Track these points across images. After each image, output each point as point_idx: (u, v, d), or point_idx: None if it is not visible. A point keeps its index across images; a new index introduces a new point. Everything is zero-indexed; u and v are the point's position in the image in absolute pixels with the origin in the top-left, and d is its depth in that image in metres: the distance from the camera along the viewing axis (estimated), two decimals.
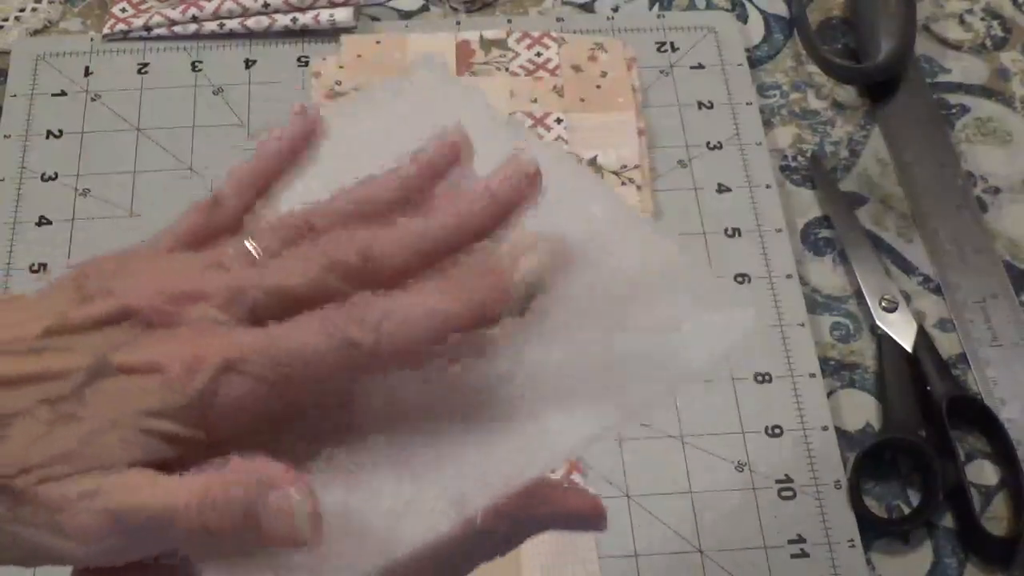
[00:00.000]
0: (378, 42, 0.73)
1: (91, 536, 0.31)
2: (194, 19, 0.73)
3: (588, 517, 0.37)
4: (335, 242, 0.34)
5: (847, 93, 0.74)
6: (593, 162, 0.68)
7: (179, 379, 0.31)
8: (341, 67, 0.72)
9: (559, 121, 0.70)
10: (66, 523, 0.30)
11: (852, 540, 0.57)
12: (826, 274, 0.66)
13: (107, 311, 0.33)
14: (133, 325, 0.33)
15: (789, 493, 0.58)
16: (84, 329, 0.33)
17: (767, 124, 0.72)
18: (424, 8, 0.76)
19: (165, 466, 0.31)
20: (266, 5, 0.73)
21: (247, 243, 0.35)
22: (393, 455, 0.34)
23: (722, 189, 0.68)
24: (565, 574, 0.54)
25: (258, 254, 0.35)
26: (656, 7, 0.77)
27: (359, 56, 0.72)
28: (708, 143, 0.70)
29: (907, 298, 0.65)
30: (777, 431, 0.60)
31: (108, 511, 0.30)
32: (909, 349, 0.62)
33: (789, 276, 0.65)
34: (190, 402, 0.31)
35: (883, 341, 0.63)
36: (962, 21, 0.78)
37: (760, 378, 0.62)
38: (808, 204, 0.69)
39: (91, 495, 0.30)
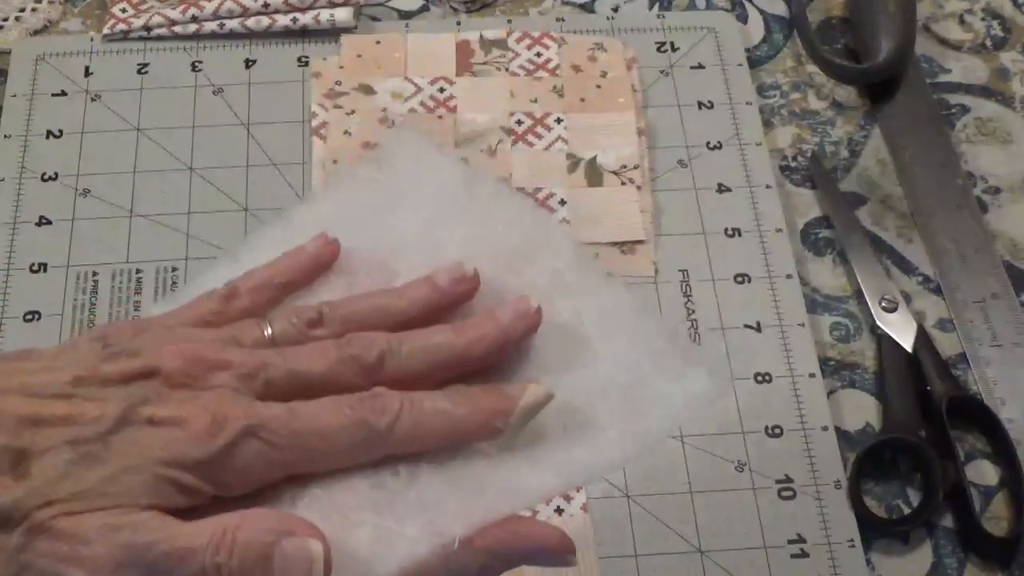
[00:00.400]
0: (378, 42, 0.73)
1: (106, 568, 0.33)
2: (194, 19, 0.73)
3: (556, 551, 0.38)
4: (356, 339, 0.38)
5: (847, 93, 0.74)
6: (593, 162, 0.68)
7: (203, 435, 0.34)
8: (341, 67, 0.72)
9: (559, 121, 0.70)
10: (84, 554, 0.33)
11: (852, 540, 0.57)
12: (826, 274, 0.66)
13: (137, 368, 0.36)
14: (160, 384, 0.35)
15: (789, 493, 0.58)
16: (113, 382, 0.35)
17: (767, 124, 0.72)
18: (424, 8, 0.76)
19: (174, 515, 0.34)
20: (266, 5, 0.73)
21: (264, 327, 0.38)
22: (375, 497, 0.36)
23: (722, 189, 0.68)
24: (566, 574, 0.54)
25: (273, 339, 0.38)
26: (656, 7, 0.77)
27: (359, 56, 0.72)
28: (708, 143, 0.70)
29: (907, 298, 0.65)
30: (777, 431, 0.60)
31: (125, 545, 0.33)
32: (909, 349, 0.62)
33: (789, 276, 0.65)
34: (210, 457, 0.34)
35: (883, 341, 0.63)
36: (962, 21, 0.78)
37: (760, 378, 0.62)
38: (808, 204, 0.69)
39: (111, 529, 0.33)
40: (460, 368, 0.39)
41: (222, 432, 0.34)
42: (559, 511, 0.55)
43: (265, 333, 0.38)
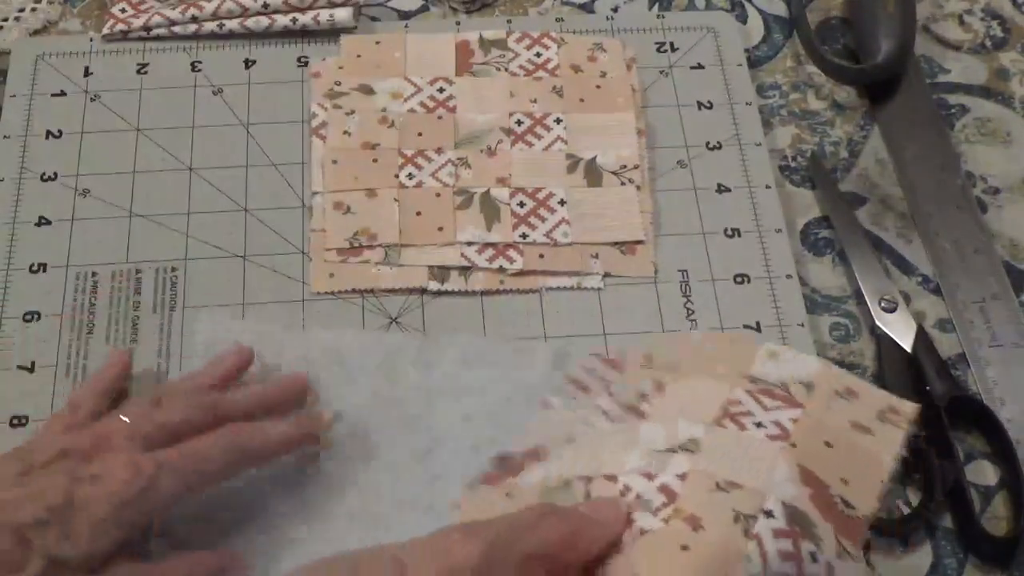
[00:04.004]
0: (378, 42, 0.73)
1: None
2: (194, 19, 0.73)
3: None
4: (196, 396, 0.54)
5: (847, 93, 0.74)
6: (593, 162, 0.68)
7: (130, 480, 0.47)
8: (341, 67, 0.72)
9: (559, 121, 0.70)
10: None
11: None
12: (826, 274, 0.66)
13: (55, 452, 0.48)
14: (77, 458, 0.48)
15: None
16: (46, 464, 0.48)
17: (767, 124, 0.72)
18: (424, 8, 0.76)
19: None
20: (266, 5, 0.73)
21: (121, 415, 0.52)
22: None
23: (722, 189, 0.68)
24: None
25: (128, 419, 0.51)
26: (656, 7, 0.77)
27: (359, 56, 0.72)
28: (708, 143, 0.70)
29: (907, 298, 0.65)
30: None
31: None
32: (909, 349, 0.62)
33: (789, 276, 0.65)
34: (141, 494, 0.47)
35: (883, 341, 0.63)
36: (962, 21, 0.78)
37: None
38: (808, 204, 0.69)
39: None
40: (266, 410, 0.55)
41: (142, 474, 0.48)
42: None
43: (122, 419, 0.51)
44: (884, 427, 0.50)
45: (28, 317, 0.62)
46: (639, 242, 0.66)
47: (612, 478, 0.46)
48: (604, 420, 0.50)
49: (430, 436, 0.58)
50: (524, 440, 0.52)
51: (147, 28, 0.73)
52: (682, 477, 0.45)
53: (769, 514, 0.44)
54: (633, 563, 0.43)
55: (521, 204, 0.66)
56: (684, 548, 0.42)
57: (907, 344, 0.62)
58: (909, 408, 0.51)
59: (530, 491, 0.48)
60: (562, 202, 0.67)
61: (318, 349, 0.61)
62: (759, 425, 0.47)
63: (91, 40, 0.73)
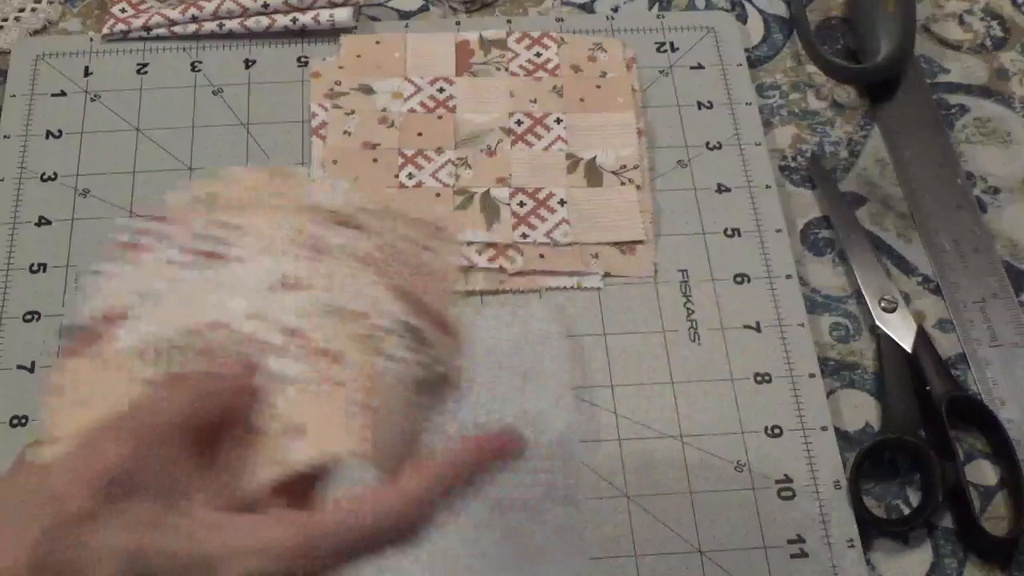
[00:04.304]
0: (378, 42, 0.73)
1: None
2: (194, 19, 0.73)
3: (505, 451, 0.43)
4: None
5: (847, 93, 0.74)
6: (593, 162, 0.68)
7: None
8: (341, 67, 0.72)
9: (559, 121, 0.70)
10: None
11: (852, 540, 0.57)
12: (826, 274, 0.66)
13: None
14: None
15: (789, 493, 0.58)
16: None
17: (767, 124, 0.72)
18: (424, 8, 0.76)
19: None
20: (266, 5, 0.73)
21: None
22: None
23: (722, 189, 0.68)
24: None
25: None
26: (656, 7, 0.77)
27: (359, 56, 0.72)
28: (708, 143, 0.70)
29: (907, 298, 0.65)
30: (777, 431, 0.60)
31: None
32: (909, 349, 0.62)
33: (789, 276, 0.65)
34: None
35: (883, 341, 0.63)
36: (962, 21, 0.78)
37: (760, 378, 0.62)
38: (808, 204, 0.69)
39: None
40: None
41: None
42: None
43: None
44: (440, 242, 0.49)
45: (28, 317, 0.62)
46: (639, 242, 0.66)
47: (224, 326, 0.43)
48: (183, 271, 0.46)
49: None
50: (87, 308, 0.46)
51: (147, 28, 0.73)
52: (302, 315, 0.44)
53: (388, 331, 0.44)
54: (285, 412, 0.42)
55: (521, 204, 0.66)
56: (334, 384, 0.42)
57: (907, 344, 0.62)
58: (453, 228, 0.50)
59: (131, 356, 0.44)
60: (562, 202, 0.67)
61: None
62: (341, 249, 0.46)
63: (91, 40, 0.73)
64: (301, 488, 0.41)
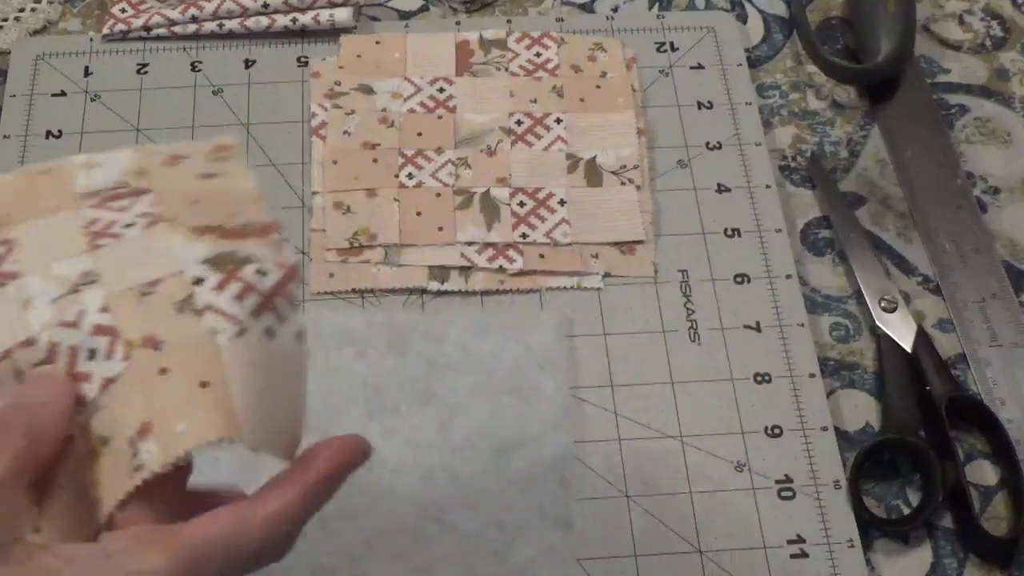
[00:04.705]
0: (378, 42, 0.73)
1: None
2: (194, 19, 0.73)
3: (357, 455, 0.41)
4: None
5: (847, 93, 0.74)
6: (593, 162, 0.68)
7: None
8: (341, 67, 0.72)
9: (559, 121, 0.70)
10: None
11: (852, 540, 0.57)
12: (826, 274, 0.66)
13: None
14: None
15: (789, 493, 0.58)
16: None
17: (767, 124, 0.72)
18: (424, 8, 0.76)
19: None
20: (266, 5, 0.73)
21: None
22: None
23: (722, 189, 0.68)
24: None
25: None
26: (656, 7, 0.77)
27: (359, 56, 0.72)
28: (708, 143, 0.70)
29: (907, 298, 0.65)
30: (777, 431, 0.60)
31: None
32: (909, 349, 0.62)
33: (789, 276, 0.65)
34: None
35: (883, 341, 0.63)
36: (962, 21, 0.78)
37: (760, 378, 0.62)
38: (808, 204, 0.69)
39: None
40: None
41: None
42: (269, 334, 0.42)
43: None
44: (224, 164, 0.46)
45: None
46: (639, 242, 0.66)
47: (31, 343, 0.40)
48: None
49: (446, 408, 0.59)
50: None
51: (147, 28, 0.73)
52: (106, 309, 0.41)
53: (199, 281, 0.41)
54: (122, 415, 0.39)
55: (521, 204, 0.66)
56: (163, 371, 0.40)
57: (907, 344, 0.62)
58: (229, 140, 0.47)
59: None
60: (562, 202, 0.67)
61: (327, 329, 0.61)
62: (128, 226, 0.43)
63: (91, 40, 0.73)
64: (170, 489, 0.39)
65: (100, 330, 0.41)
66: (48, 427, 0.38)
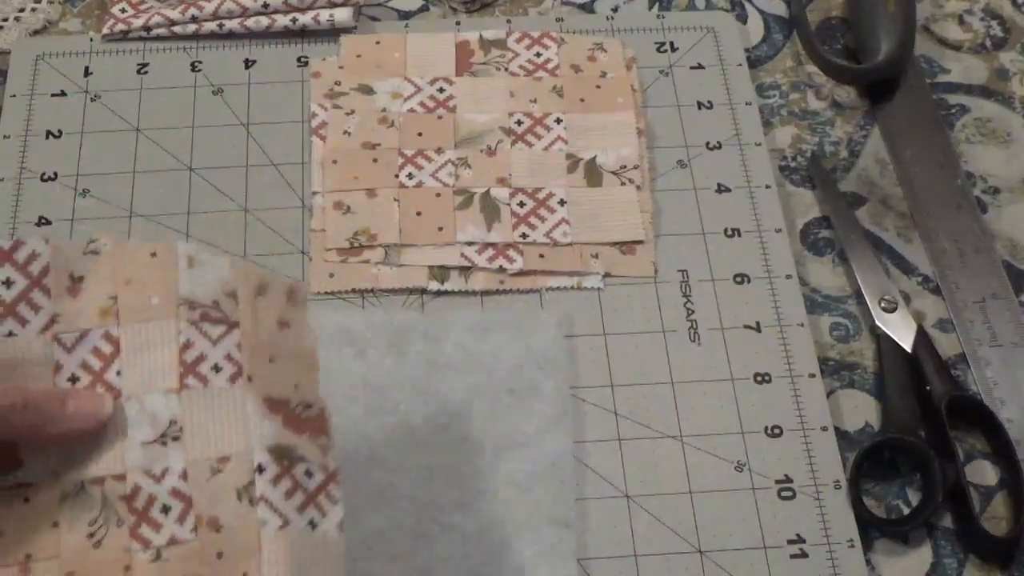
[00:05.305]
0: (378, 42, 0.73)
1: None
2: (193, 19, 0.73)
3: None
4: None
5: (847, 93, 0.74)
6: (592, 162, 0.68)
7: None
8: (341, 67, 0.72)
9: (558, 121, 0.70)
10: None
11: (852, 540, 0.57)
12: (826, 274, 0.66)
13: None
14: None
15: (788, 493, 0.58)
16: None
17: (767, 124, 0.72)
18: (424, 8, 0.76)
19: None
20: (266, 5, 0.73)
21: None
22: None
23: (722, 189, 0.68)
24: None
25: None
26: (656, 7, 0.77)
27: (359, 56, 0.72)
28: (708, 143, 0.70)
29: (906, 298, 0.65)
30: (777, 431, 0.60)
31: None
32: (908, 349, 0.62)
33: (789, 276, 0.65)
34: None
35: (883, 341, 0.63)
36: (962, 21, 0.78)
37: (760, 378, 0.62)
38: (808, 204, 0.69)
39: None
40: None
41: None
42: (312, 525, 0.47)
43: None
44: (295, 313, 0.50)
45: None
46: (639, 242, 0.66)
47: (121, 478, 0.46)
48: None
49: (446, 409, 0.59)
50: None
51: (147, 28, 0.73)
52: (184, 476, 0.46)
53: (260, 469, 0.46)
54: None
55: (521, 204, 0.66)
56: (219, 555, 0.45)
57: (907, 344, 0.62)
58: (299, 285, 0.50)
59: (45, 496, 0.47)
60: (562, 202, 0.67)
61: (327, 329, 0.61)
62: (217, 369, 0.47)
63: (91, 40, 0.73)
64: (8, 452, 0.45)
65: (177, 494, 0.46)
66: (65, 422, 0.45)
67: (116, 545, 0.46)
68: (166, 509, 0.46)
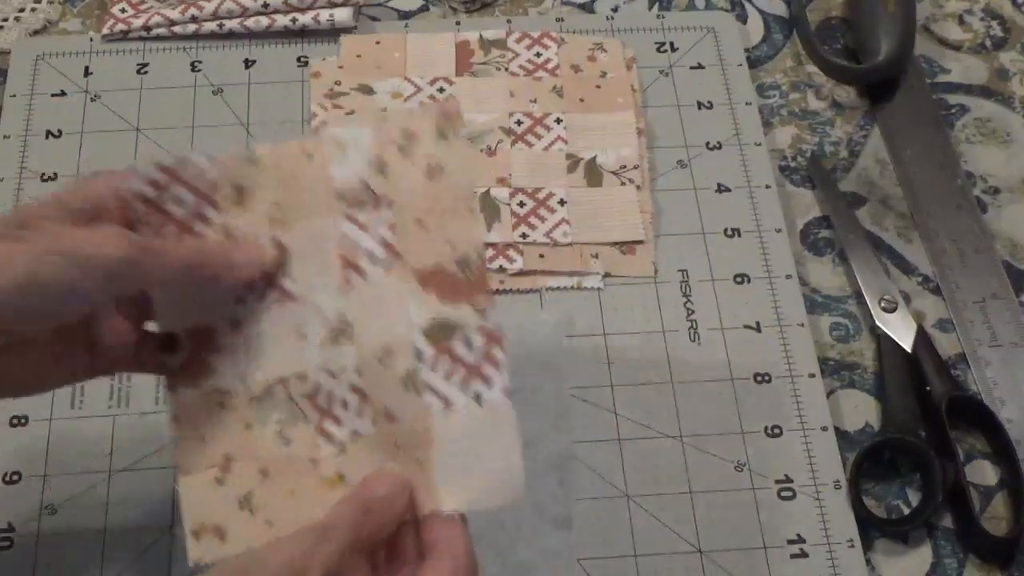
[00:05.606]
0: (378, 42, 0.73)
1: None
2: (193, 19, 0.73)
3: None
4: None
5: (847, 93, 0.74)
6: (592, 162, 0.68)
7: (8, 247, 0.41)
8: (341, 67, 0.72)
9: (558, 121, 0.70)
10: None
11: (852, 540, 0.57)
12: (826, 274, 0.66)
13: None
14: None
15: (788, 493, 0.58)
16: None
17: (767, 124, 0.72)
18: (424, 8, 0.76)
19: None
20: (265, 5, 0.73)
21: None
22: None
23: (722, 189, 0.68)
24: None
25: None
26: (656, 7, 0.77)
27: (359, 56, 0.72)
28: (708, 143, 0.70)
29: (906, 298, 0.65)
30: (777, 431, 0.60)
31: None
32: (909, 349, 0.62)
33: (789, 276, 0.65)
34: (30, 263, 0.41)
35: (883, 341, 0.63)
36: (962, 21, 0.78)
37: (760, 378, 0.62)
38: (808, 204, 0.69)
39: None
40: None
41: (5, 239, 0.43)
42: (477, 399, 0.47)
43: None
44: (448, 149, 0.49)
45: None
46: (639, 242, 0.66)
47: (303, 377, 0.48)
48: (256, 304, 0.50)
49: None
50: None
51: (147, 28, 0.73)
52: (358, 372, 0.48)
53: (419, 355, 0.46)
54: (365, 470, 0.46)
55: (521, 204, 0.66)
56: (396, 446, 0.46)
57: (907, 344, 0.62)
58: (450, 106, 0.50)
59: (238, 400, 0.49)
60: (562, 202, 0.67)
61: None
62: (372, 259, 0.48)
63: (91, 40, 0.73)
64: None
65: (355, 390, 0.48)
66: (391, 520, 0.45)
67: (304, 440, 0.48)
68: (346, 404, 0.48)
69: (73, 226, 0.43)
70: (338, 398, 0.48)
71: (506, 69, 0.72)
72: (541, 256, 0.65)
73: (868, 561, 0.57)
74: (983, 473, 0.60)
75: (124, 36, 0.73)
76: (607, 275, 0.65)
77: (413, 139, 0.49)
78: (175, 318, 0.50)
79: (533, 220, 0.66)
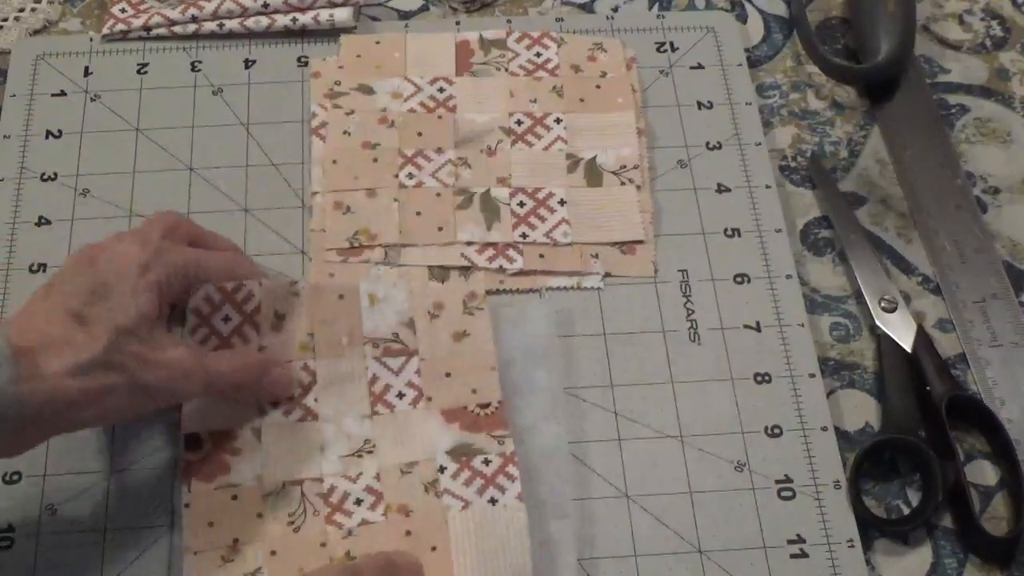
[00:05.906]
0: (378, 42, 0.73)
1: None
2: (193, 19, 0.73)
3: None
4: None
5: (847, 93, 0.74)
6: (592, 162, 0.68)
7: (139, 250, 0.55)
8: (341, 67, 0.72)
9: (558, 121, 0.70)
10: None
11: (852, 540, 0.57)
12: (826, 274, 0.66)
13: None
14: (99, 249, 0.56)
15: (788, 493, 0.58)
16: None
17: (767, 124, 0.72)
18: (424, 8, 0.76)
19: None
20: (266, 5, 0.73)
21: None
22: None
23: (722, 189, 0.68)
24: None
25: None
26: (656, 7, 0.77)
27: (359, 56, 0.72)
28: (708, 143, 0.70)
29: (907, 298, 0.65)
30: (777, 431, 0.60)
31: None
32: (908, 349, 0.62)
33: (789, 276, 0.65)
34: (154, 256, 0.55)
35: (883, 341, 0.63)
36: (962, 21, 0.78)
37: (760, 378, 0.62)
38: (808, 204, 0.69)
39: None
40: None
41: (148, 244, 0.55)
42: (492, 502, 0.55)
43: None
44: (472, 319, 0.60)
45: None
46: (639, 242, 0.66)
47: (319, 480, 0.56)
48: (280, 418, 0.58)
49: None
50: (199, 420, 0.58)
51: (147, 28, 0.73)
52: (377, 477, 0.56)
53: (442, 469, 0.55)
54: (371, 550, 0.53)
55: (521, 204, 0.66)
56: (408, 533, 0.54)
57: (907, 344, 0.62)
58: (480, 288, 0.61)
59: (250, 494, 0.55)
60: (562, 202, 0.67)
61: None
62: (401, 396, 0.58)
63: (91, 40, 0.73)
64: None
65: (370, 491, 0.56)
66: None
67: (313, 529, 0.54)
68: (359, 502, 0.55)
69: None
70: (352, 497, 0.55)
71: (506, 69, 0.72)
72: (541, 256, 0.65)
73: (868, 561, 0.57)
74: (983, 473, 0.60)
75: (124, 36, 0.73)
76: (607, 275, 0.65)
77: (442, 308, 0.60)
78: (199, 422, 0.57)
79: (533, 220, 0.66)
